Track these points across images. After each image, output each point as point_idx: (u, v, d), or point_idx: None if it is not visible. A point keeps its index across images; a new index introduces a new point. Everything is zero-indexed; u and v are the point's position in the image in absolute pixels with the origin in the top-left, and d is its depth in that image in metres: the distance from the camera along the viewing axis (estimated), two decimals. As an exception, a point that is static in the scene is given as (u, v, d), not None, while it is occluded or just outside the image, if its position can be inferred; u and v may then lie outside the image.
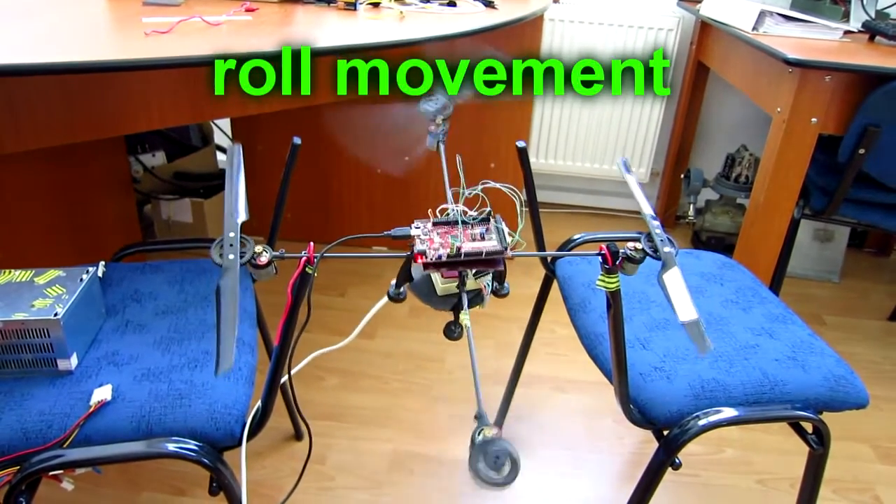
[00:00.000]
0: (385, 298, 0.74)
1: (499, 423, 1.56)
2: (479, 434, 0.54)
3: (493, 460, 0.52)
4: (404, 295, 0.73)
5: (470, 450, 0.53)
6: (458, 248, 0.66)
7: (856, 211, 1.67)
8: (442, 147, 0.88)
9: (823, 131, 1.55)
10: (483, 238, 0.69)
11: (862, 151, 1.51)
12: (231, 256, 0.62)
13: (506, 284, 0.73)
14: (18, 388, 0.83)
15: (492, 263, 0.68)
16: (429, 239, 0.69)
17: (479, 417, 0.56)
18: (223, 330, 0.57)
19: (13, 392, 0.82)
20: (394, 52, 1.20)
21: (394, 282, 0.72)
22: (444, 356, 1.79)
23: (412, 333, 1.88)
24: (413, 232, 0.69)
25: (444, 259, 0.67)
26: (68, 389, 0.83)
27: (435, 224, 0.71)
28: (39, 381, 0.84)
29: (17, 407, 0.80)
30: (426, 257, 0.66)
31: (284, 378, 0.81)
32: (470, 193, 0.72)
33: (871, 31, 1.82)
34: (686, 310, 0.64)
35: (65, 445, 0.77)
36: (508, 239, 0.69)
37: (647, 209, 0.73)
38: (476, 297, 0.73)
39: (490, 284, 0.74)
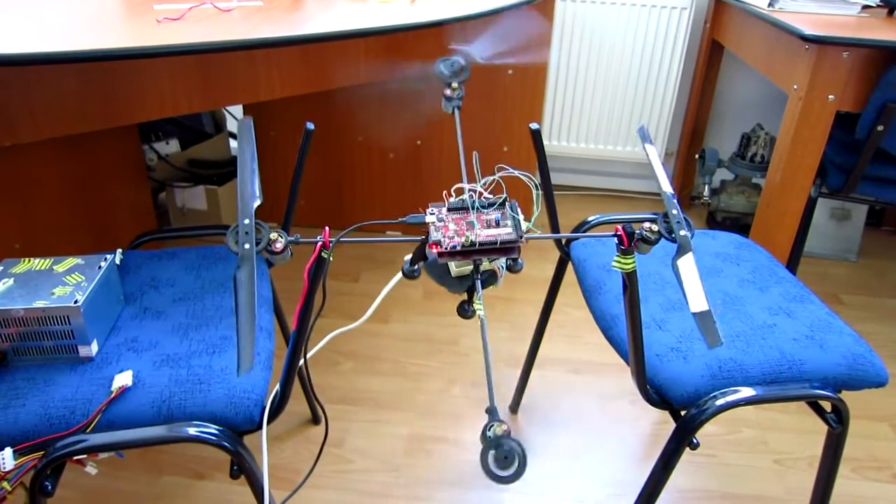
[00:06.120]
0: (399, 275, 0.74)
1: (514, 406, 1.57)
2: (489, 430, 0.55)
3: (502, 458, 0.53)
4: (418, 272, 0.73)
5: (481, 443, 0.54)
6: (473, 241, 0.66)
7: (874, 189, 1.65)
8: (457, 113, 0.87)
9: (841, 108, 1.53)
10: (498, 225, 0.69)
11: (880, 128, 1.49)
12: (247, 246, 0.62)
13: (520, 261, 0.72)
14: (41, 374, 0.84)
15: (506, 251, 0.68)
16: (444, 226, 0.69)
17: (491, 412, 0.57)
18: (242, 330, 0.58)
19: (36, 379, 0.83)
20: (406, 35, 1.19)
21: (408, 258, 0.72)
22: (458, 339, 1.79)
23: (426, 317, 1.89)
24: (428, 219, 0.69)
25: (458, 248, 0.67)
26: (90, 375, 0.84)
27: (450, 209, 0.71)
28: (61, 368, 0.85)
29: (40, 393, 0.81)
30: (441, 246, 0.66)
31: (301, 362, 0.81)
32: (486, 183, 0.72)
33: (890, 5, 1.78)
34: (697, 300, 0.63)
35: (88, 430, 0.78)
36: (523, 226, 0.68)
37: (667, 185, 0.72)
38: (490, 278, 0.72)
39: (503, 266, 0.74)
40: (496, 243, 0.67)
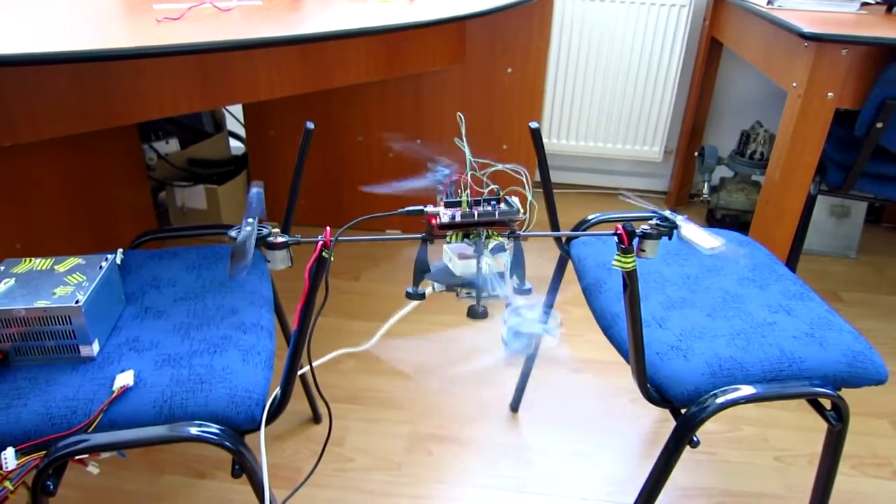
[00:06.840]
0: (411, 305, 0.76)
1: (515, 404, 1.57)
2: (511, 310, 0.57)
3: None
4: (423, 292, 0.74)
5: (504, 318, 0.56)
6: (471, 207, 0.67)
7: (873, 186, 1.65)
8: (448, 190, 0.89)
9: (840, 106, 1.53)
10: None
11: (880, 125, 1.49)
12: (248, 228, 0.63)
13: (527, 283, 0.73)
14: (42, 374, 0.84)
15: (505, 225, 0.69)
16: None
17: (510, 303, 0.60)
18: (239, 243, 0.59)
19: (37, 378, 0.83)
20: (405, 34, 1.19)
21: (410, 288, 0.73)
22: (460, 338, 1.80)
23: (428, 316, 1.89)
24: (427, 209, 0.70)
25: (457, 220, 0.67)
26: (91, 375, 0.84)
27: (447, 205, 0.71)
28: (63, 368, 0.85)
29: (41, 393, 0.81)
30: (439, 219, 0.67)
31: (306, 368, 0.82)
32: (479, 170, 0.72)
33: (889, 2, 1.78)
34: (709, 242, 0.70)
35: (90, 430, 0.78)
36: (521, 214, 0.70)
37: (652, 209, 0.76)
38: (499, 247, 0.73)
39: (506, 246, 0.74)
40: (495, 214, 0.68)
